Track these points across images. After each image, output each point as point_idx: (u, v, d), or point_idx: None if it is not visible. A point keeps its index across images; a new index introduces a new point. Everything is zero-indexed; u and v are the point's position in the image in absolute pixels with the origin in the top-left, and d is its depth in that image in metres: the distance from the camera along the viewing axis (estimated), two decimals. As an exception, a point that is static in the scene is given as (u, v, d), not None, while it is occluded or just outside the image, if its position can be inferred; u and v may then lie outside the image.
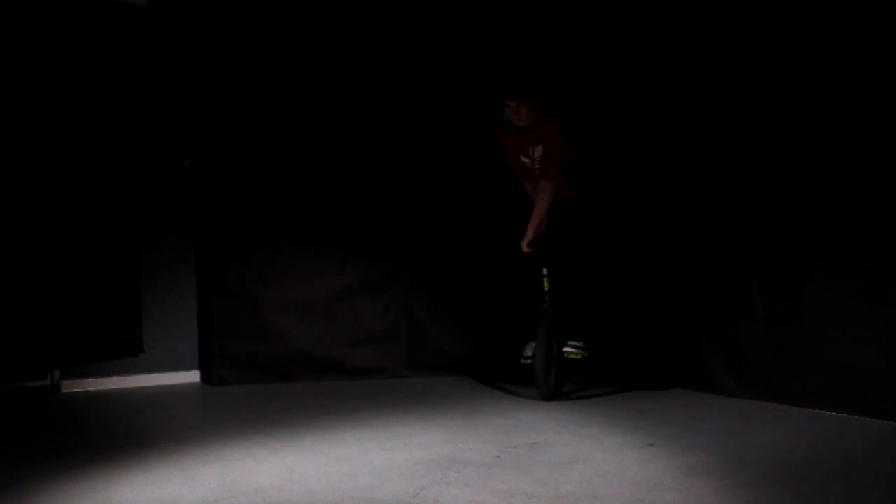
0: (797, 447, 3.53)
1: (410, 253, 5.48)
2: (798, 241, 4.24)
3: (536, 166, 4.83)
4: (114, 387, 5.05)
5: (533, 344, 4.78)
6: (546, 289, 4.73)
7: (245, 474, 3.22)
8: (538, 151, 4.77)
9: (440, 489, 3.02)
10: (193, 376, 5.29)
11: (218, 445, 3.66)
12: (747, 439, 3.69)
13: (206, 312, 5.24)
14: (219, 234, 5.19)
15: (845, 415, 4.04)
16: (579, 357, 4.77)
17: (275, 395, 4.87)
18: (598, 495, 2.92)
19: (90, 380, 5.00)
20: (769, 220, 4.39)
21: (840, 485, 3.02)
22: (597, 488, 3.00)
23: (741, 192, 4.54)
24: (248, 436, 3.83)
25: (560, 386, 4.77)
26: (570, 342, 4.79)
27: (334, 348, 5.33)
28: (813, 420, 4.02)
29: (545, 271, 4.74)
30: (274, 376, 5.22)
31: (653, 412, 4.29)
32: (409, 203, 5.50)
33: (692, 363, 4.84)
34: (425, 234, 5.50)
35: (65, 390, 4.95)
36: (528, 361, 4.78)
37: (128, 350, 5.02)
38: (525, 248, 4.76)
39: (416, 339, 5.47)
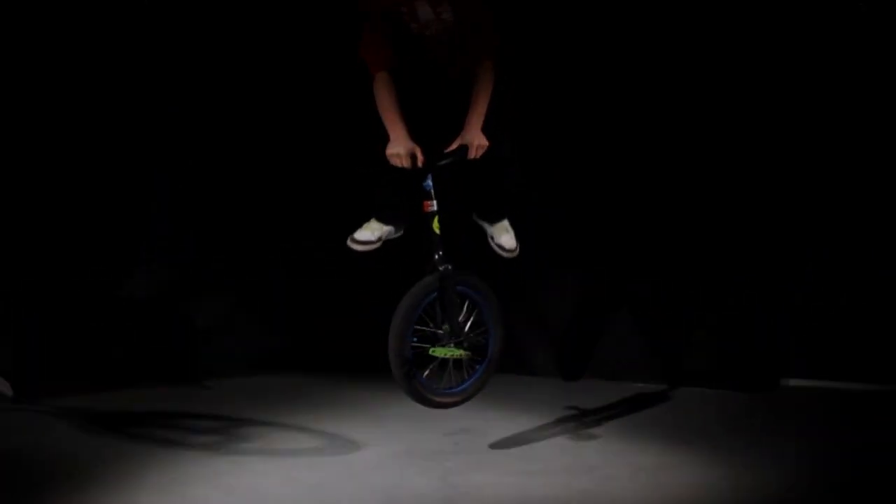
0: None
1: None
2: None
3: (443, 36, 3.36)
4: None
5: (374, 225, 3.46)
6: (438, 232, 3.34)
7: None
8: (445, 12, 3.31)
9: (467, 474, 3.16)
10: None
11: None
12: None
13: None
14: (217, 233, 5.08)
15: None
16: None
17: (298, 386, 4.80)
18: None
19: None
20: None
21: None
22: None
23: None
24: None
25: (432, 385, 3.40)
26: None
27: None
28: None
29: (435, 206, 3.34)
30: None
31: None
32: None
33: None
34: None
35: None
36: (359, 247, 3.44)
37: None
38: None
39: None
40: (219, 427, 3.82)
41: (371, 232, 3.48)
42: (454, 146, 3.30)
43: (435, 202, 3.33)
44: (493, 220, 3.61)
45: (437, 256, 3.32)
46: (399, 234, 3.56)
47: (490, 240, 3.62)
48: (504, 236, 3.60)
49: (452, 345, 3.34)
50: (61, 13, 4.45)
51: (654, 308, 4.62)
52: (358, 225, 3.52)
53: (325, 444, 3.60)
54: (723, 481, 3.09)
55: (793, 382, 4.39)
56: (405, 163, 3.28)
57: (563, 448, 3.52)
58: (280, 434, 3.73)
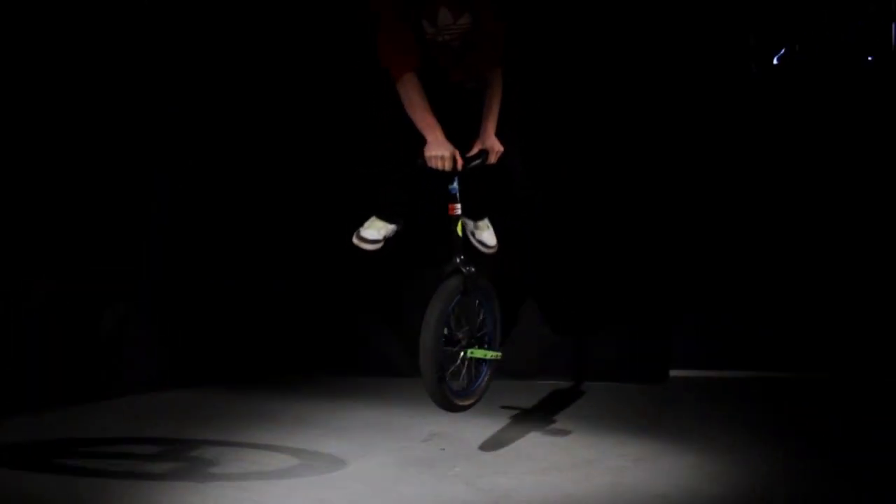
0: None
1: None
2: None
3: (454, 42, 3.37)
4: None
5: (379, 224, 3.50)
6: (461, 235, 3.37)
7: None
8: (464, 19, 3.34)
9: (489, 478, 3.14)
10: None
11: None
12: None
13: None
14: (217, 233, 4.98)
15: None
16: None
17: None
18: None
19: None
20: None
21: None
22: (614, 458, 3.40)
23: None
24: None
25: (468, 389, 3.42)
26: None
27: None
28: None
29: (459, 209, 3.35)
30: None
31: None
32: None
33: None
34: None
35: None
36: (367, 246, 3.49)
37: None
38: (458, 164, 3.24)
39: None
40: (169, 451, 3.44)
41: (377, 231, 3.50)
42: (475, 151, 3.36)
43: (460, 205, 3.33)
44: (478, 216, 3.66)
45: (458, 259, 3.33)
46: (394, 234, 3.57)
47: (471, 235, 3.66)
48: (486, 233, 3.70)
49: (477, 346, 3.40)
50: (61, 13, 4.35)
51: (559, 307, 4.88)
52: (357, 225, 3.44)
53: (313, 462, 3.35)
54: (722, 465, 3.29)
55: (680, 373, 4.85)
56: (447, 165, 3.25)
57: (545, 446, 3.59)
58: (250, 454, 3.41)
